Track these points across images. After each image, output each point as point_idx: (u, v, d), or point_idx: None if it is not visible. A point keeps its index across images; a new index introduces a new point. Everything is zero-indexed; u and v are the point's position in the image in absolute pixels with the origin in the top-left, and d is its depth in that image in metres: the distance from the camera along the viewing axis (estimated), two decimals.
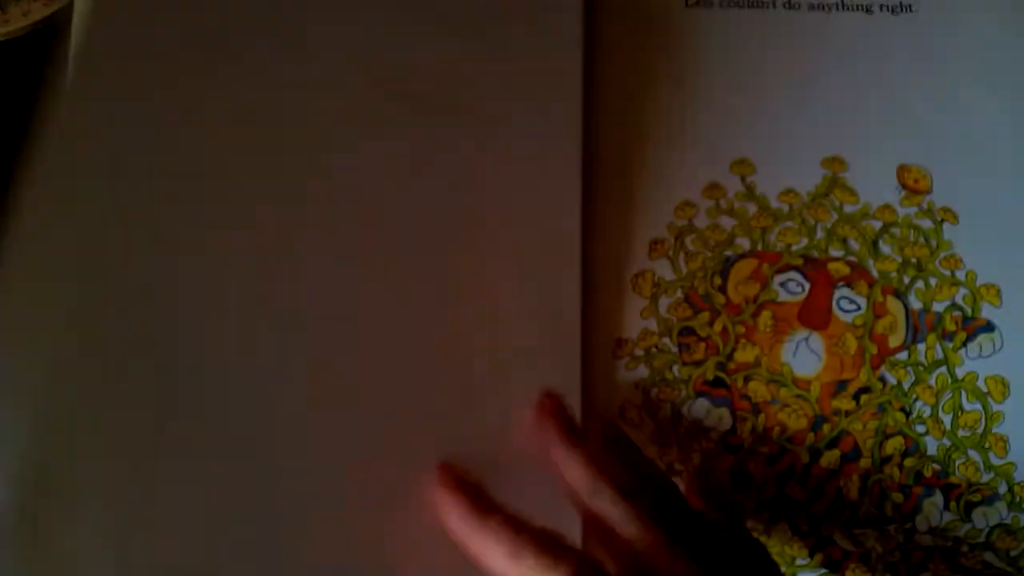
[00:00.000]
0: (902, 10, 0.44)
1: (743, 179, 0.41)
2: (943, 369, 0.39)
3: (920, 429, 0.38)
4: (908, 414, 0.38)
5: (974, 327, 0.39)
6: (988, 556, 0.37)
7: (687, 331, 0.40)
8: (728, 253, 0.41)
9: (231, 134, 0.38)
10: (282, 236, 0.37)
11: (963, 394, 0.39)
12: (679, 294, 0.40)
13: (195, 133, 0.38)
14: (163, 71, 0.39)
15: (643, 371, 0.39)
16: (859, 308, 0.40)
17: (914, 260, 0.40)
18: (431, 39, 0.40)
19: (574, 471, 0.33)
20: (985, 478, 0.38)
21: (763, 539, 0.37)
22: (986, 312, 0.40)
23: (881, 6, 0.44)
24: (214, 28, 0.40)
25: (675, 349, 0.39)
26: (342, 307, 0.37)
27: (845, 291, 0.40)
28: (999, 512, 0.37)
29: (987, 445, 0.38)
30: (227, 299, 0.36)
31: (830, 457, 0.38)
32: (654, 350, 0.39)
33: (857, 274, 0.40)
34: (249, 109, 0.38)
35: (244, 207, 0.37)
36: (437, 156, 0.39)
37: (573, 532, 0.34)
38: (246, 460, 0.34)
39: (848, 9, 0.44)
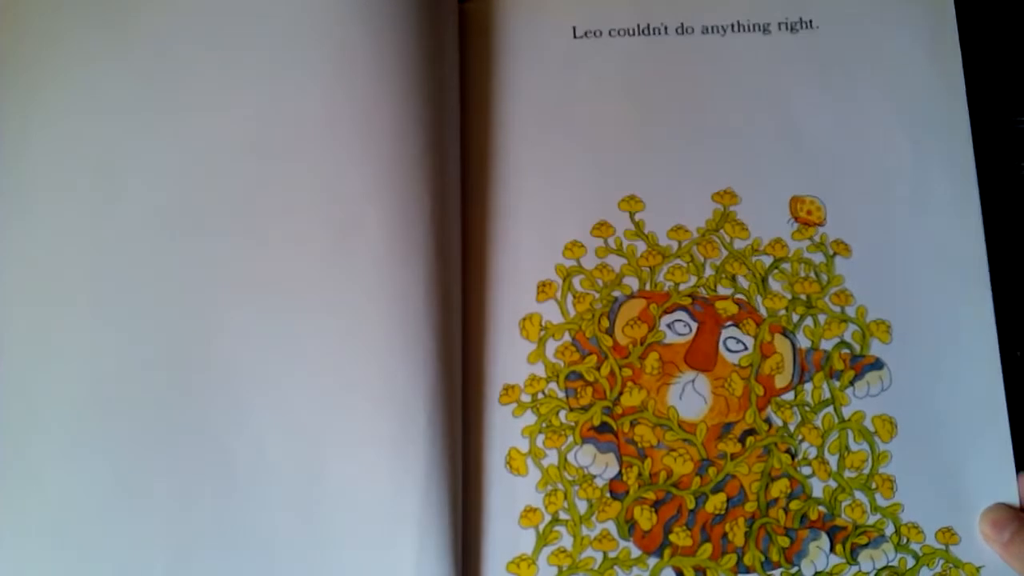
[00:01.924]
0: (802, 27, 0.43)
1: (632, 216, 0.41)
2: (829, 409, 0.39)
3: (806, 471, 0.38)
4: (794, 456, 0.38)
5: (862, 365, 0.39)
6: None
7: (574, 375, 0.39)
8: (616, 294, 0.40)
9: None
10: None
11: (849, 434, 0.38)
12: (567, 337, 0.40)
13: None
14: None
15: (530, 417, 0.39)
16: (746, 348, 0.39)
17: (804, 297, 0.40)
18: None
19: None
20: (872, 520, 0.38)
21: None
22: (875, 349, 0.39)
23: (780, 24, 0.43)
24: None
25: (562, 394, 0.39)
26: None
27: (733, 331, 0.39)
28: (885, 554, 0.37)
29: (874, 486, 0.38)
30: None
31: (716, 501, 0.38)
32: (541, 396, 0.39)
33: (745, 313, 0.40)
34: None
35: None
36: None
37: None
38: None
39: (744, 30, 0.43)
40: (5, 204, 0.39)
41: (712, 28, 0.43)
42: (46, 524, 0.36)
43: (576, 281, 0.40)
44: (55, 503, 0.36)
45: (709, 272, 0.40)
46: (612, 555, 0.37)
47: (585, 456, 0.38)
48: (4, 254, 0.38)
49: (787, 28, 0.43)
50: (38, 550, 0.36)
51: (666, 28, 0.43)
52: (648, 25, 0.43)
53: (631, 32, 0.43)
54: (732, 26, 0.43)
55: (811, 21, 0.43)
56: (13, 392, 0.37)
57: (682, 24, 0.43)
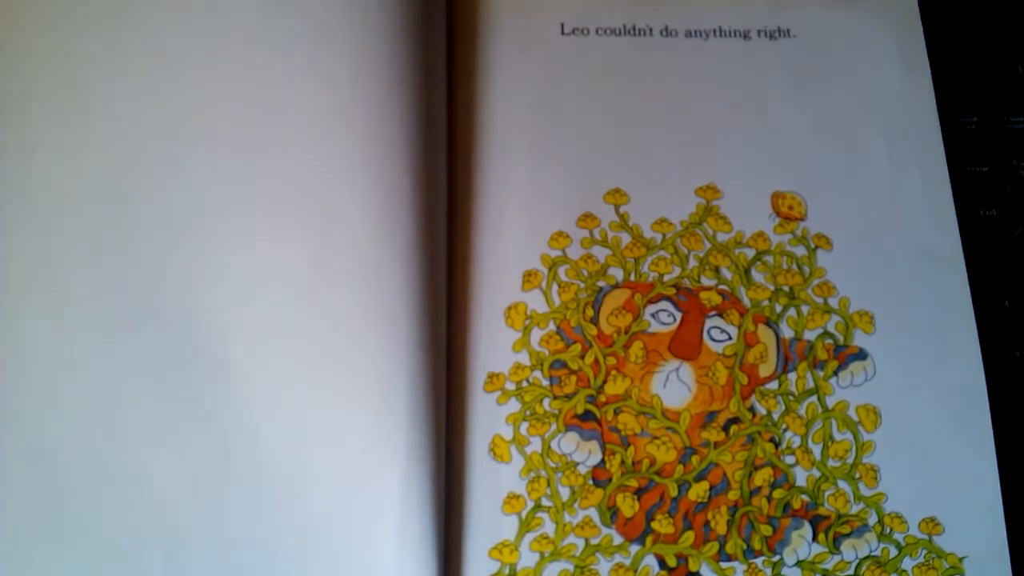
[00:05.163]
0: (780, 35, 0.44)
1: (617, 209, 0.41)
2: (813, 398, 0.39)
3: (789, 460, 0.38)
4: (777, 444, 0.38)
5: (846, 355, 0.39)
6: None
7: (558, 364, 0.39)
8: (601, 284, 0.40)
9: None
10: None
11: (833, 423, 0.38)
12: (551, 326, 0.40)
13: None
14: None
15: (514, 405, 0.39)
16: (730, 338, 0.39)
17: (787, 288, 0.40)
18: None
19: None
20: (855, 509, 0.38)
21: (630, 575, 0.37)
22: (859, 340, 0.39)
23: (759, 31, 0.44)
24: None
25: (546, 383, 0.39)
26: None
27: (716, 320, 0.40)
28: (868, 544, 0.37)
29: (857, 475, 0.38)
30: None
31: (699, 489, 0.38)
32: (525, 384, 0.39)
33: (729, 303, 0.40)
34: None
35: None
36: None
37: None
38: None
39: (726, 35, 0.44)
40: (11, 204, 0.39)
41: (695, 32, 0.44)
42: (53, 512, 0.36)
43: (561, 271, 0.40)
44: (61, 492, 0.36)
45: (693, 263, 0.40)
46: (594, 542, 0.37)
47: (568, 444, 0.38)
48: (11, 252, 0.38)
49: (766, 36, 0.44)
50: (42, 537, 0.36)
51: (651, 30, 0.44)
52: (634, 26, 0.44)
53: (618, 32, 0.44)
54: (714, 31, 0.44)
55: (788, 30, 0.44)
56: (23, 385, 0.37)
57: (666, 27, 0.44)
